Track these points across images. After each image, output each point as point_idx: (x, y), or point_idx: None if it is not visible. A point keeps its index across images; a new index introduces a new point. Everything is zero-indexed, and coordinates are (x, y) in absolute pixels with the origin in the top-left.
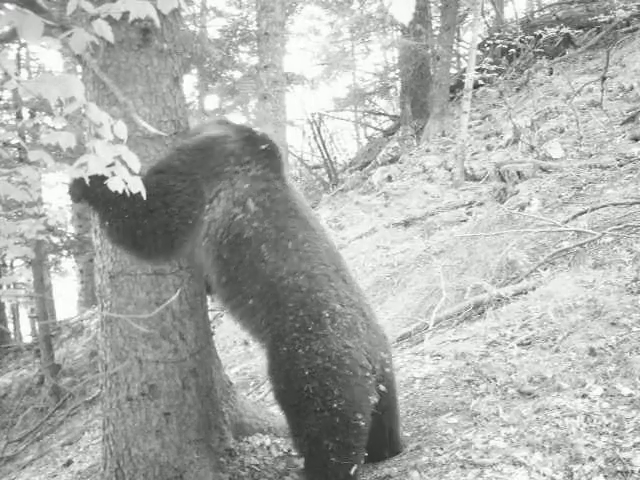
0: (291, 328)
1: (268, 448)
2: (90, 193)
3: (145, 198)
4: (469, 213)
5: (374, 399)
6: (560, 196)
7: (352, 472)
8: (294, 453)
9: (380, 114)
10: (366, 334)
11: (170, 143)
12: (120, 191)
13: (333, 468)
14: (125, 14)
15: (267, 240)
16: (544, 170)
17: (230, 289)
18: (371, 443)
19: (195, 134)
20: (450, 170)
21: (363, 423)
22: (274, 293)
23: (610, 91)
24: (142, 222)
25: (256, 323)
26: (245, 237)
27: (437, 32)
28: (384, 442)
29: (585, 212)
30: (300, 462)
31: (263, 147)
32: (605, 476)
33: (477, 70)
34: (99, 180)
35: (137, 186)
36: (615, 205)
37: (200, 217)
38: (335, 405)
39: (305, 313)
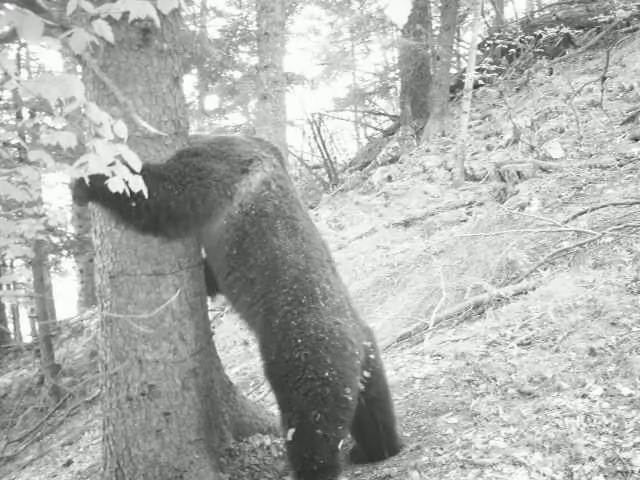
0: (284, 301)
1: (268, 448)
2: (99, 190)
3: (177, 177)
4: (469, 213)
5: (360, 380)
6: (560, 196)
7: (339, 446)
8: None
9: (380, 114)
10: (351, 320)
11: (170, 143)
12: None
13: (319, 441)
14: (125, 14)
15: (282, 217)
16: (544, 170)
17: (237, 261)
18: (368, 441)
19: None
20: (450, 170)
21: (351, 398)
22: (275, 266)
23: (610, 91)
24: (176, 195)
25: (252, 297)
26: (267, 211)
27: (437, 32)
28: (381, 439)
29: (585, 212)
30: (290, 433)
31: (274, 146)
32: (605, 476)
33: (477, 70)
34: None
35: (138, 185)
36: (615, 205)
37: (239, 189)
38: (327, 374)
39: (299, 287)
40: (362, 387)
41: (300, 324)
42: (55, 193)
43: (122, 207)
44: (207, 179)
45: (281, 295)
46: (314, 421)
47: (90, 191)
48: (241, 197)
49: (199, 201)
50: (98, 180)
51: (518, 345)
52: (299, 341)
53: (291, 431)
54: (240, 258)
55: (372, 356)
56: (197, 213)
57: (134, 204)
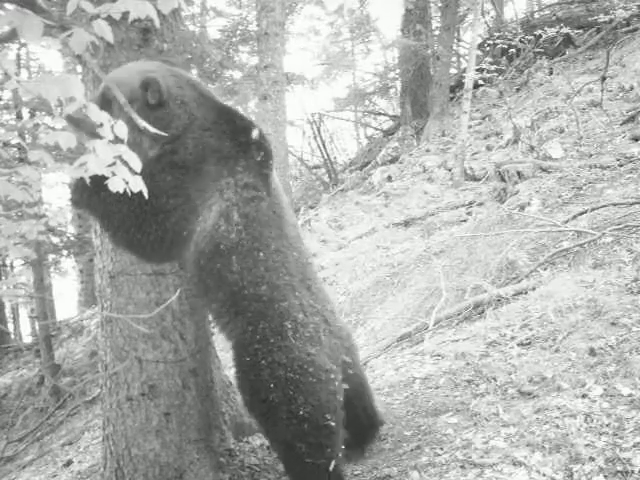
0: (252, 339)
1: (268, 448)
2: (88, 203)
3: (138, 219)
4: (469, 213)
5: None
6: (560, 196)
7: (331, 468)
8: None
9: (380, 114)
10: (327, 341)
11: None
12: (118, 198)
13: (310, 468)
14: (125, 14)
15: (239, 252)
16: (544, 170)
17: (198, 288)
18: (351, 428)
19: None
20: (450, 170)
21: (333, 423)
22: (234, 302)
23: (610, 91)
24: (138, 238)
25: (223, 324)
26: (221, 248)
27: (437, 32)
28: (361, 421)
29: (585, 212)
30: (281, 467)
31: (259, 158)
32: (605, 476)
33: (477, 70)
34: (96, 191)
35: (138, 185)
36: (615, 205)
37: (194, 228)
38: (301, 412)
39: (266, 325)
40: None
41: (270, 364)
42: (55, 193)
43: (101, 229)
44: (164, 223)
45: (248, 332)
46: (299, 452)
47: (80, 199)
48: (194, 235)
49: (157, 245)
50: (94, 191)
51: (518, 345)
52: (270, 385)
53: (281, 465)
54: (200, 288)
55: (350, 371)
56: (157, 254)
57: (107, 234)
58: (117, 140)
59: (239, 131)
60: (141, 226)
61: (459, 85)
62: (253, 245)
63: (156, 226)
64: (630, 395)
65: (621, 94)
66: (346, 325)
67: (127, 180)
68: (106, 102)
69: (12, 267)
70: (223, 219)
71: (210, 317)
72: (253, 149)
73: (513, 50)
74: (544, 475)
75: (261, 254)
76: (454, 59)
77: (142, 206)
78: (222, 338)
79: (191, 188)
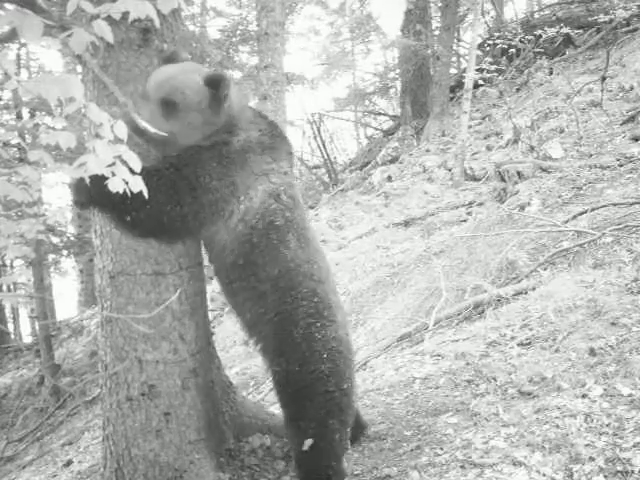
0: (305, 313)
1: (268, 448)
2: (99, 195)
3: (170, 191)
4: (469, 213)
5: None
6: (560, 196)
7: (348, 447)
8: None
9: (380, 114)
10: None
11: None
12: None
13: (336, 446)
14: (125, 14)
15: (294, 229)
16: (544, 170)
17: (243, 271)
18: None
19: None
20: (450, 170)
21: (355, 403)
22: (290, 277)
23: (610, 91)
24: (168, 210)
25: (263, 307)
26: (277, 224)
27: (437, 32)
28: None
29: (585, 212)
30: (307, 443)
31: (291, 151)
32: (605, 476)
33: (477, 70)
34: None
35: (138, 185)
36: (615, 205)
37: (237, 207)
38: (345, 386)
39: (319, 300)
40: None
41: (323, 337)
42: (55, 193)
43: (117, 218)
44: (201, 198)
45: (300, 307)
46: (332, 428)
47: (93, 194)
48: (241, 213)
49: (190, 217)
50: (96, 187)
51: (518, 345)
52: (324, 355)
53: (309, 441)
54: (248, 269)
55: None
56: (189, 227)
57: (129, 218)
58: (117, 139)
59: (274, 125)
60: (173, 197)
61: (459, 85)
62: (303, 225)
63: (192, 200)
64: (630, 395)
65: (621, 94)
66: None
67: (127, 180)
68: (169, 106)
69: (12, 267)
70: (273, 199)
71: (241, 299)
72: (287, 141)
73: (513, 50)
74: (544, 475)
75: (310, 234)
76: (454, 59)
77: (178, 180)
78: (267, 319)
79: (236, 176)
